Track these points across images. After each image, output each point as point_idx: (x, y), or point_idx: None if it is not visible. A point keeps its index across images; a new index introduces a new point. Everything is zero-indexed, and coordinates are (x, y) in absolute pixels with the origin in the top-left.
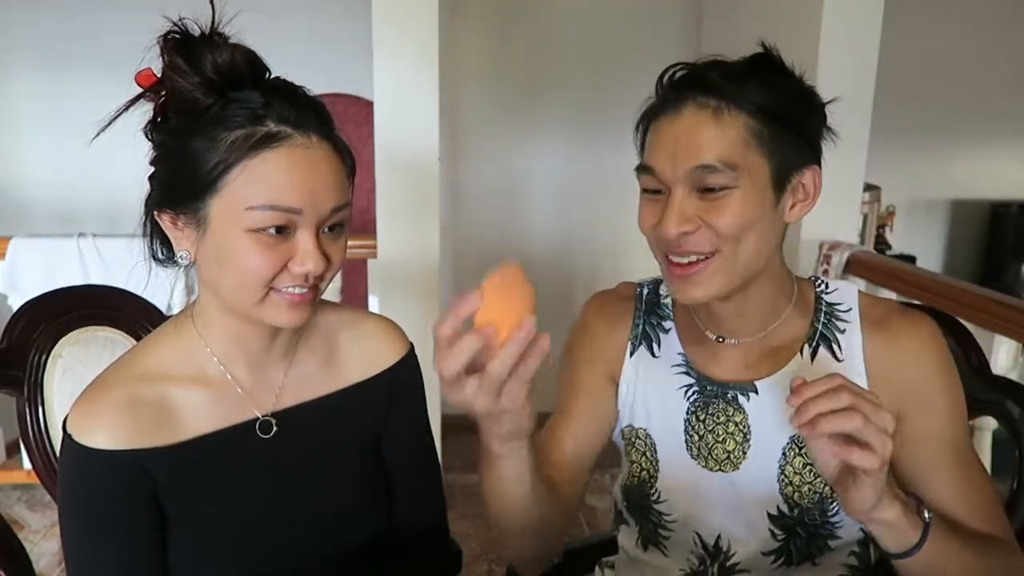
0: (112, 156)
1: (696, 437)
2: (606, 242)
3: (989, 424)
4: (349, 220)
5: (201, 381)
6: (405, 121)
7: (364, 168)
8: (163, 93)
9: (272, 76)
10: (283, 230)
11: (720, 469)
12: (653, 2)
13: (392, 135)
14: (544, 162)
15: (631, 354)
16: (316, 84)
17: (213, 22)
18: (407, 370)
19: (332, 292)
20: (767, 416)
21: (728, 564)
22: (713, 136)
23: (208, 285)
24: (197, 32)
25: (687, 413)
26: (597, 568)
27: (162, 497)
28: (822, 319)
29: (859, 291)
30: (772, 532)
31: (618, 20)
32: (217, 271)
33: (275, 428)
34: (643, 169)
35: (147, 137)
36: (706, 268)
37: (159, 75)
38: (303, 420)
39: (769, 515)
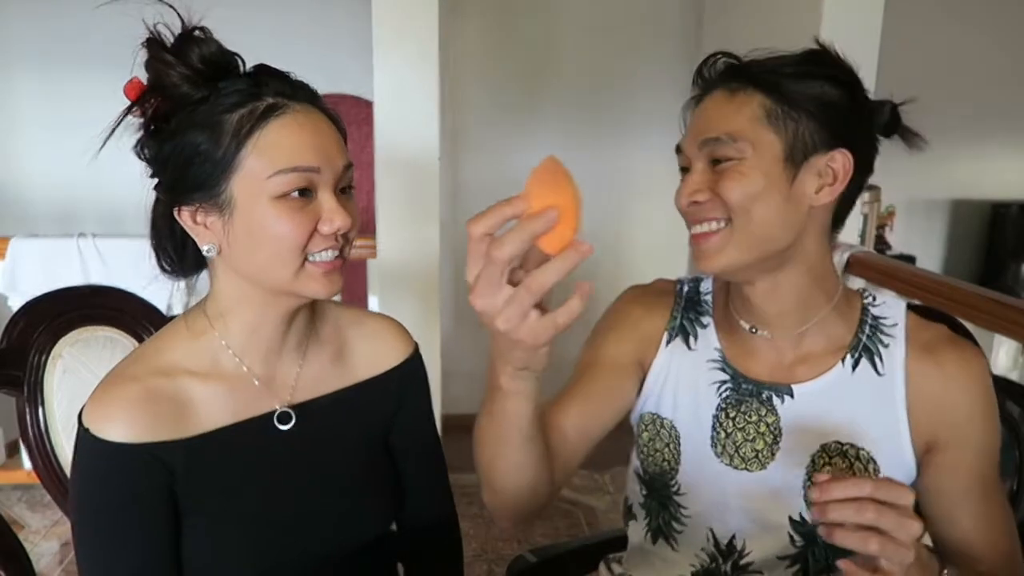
0: (112, 156)
1: (723, 434)
2: (606, 241)
3: None
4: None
5: (217, 375)
6: (405, 121)
7: (364, 168)
8: (153, 101)
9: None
10: (306, 192)
11: (746, 468)
12: (653, 2)
13: (392, 135)
14: None
15: (667, 343)
16: (316, 84)
17: (183, 21)
18: (413, 369)
19: None
20: (800, 422)
21: (742, 563)
22: (726, 113)
23: (239, 269)
24: (173, 35)
25: (717, 409)
26: (603, 565)
27: (178, 490)
28: (867, 331)
29: (909, 309)
30: (791, 537)
31: (618, 20)
32: (250, 249)
33: (294, 419)
34: (676, 150)
35: (140, 155)
36: (719, 237)
37: (147, 83)
38: (319, 413)
39: (791, 520)
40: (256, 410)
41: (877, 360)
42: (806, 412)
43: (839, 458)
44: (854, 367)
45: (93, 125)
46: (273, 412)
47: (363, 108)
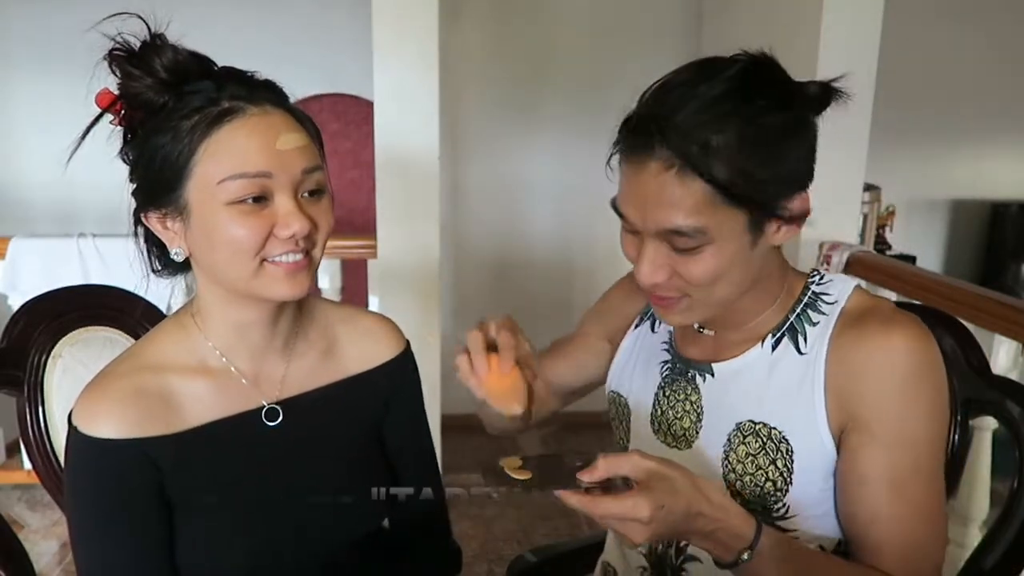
0: (112, 156)
1: (659, 412)
2: (605, 241)
3: (989, 424)
4: (328, 186)
5: (204, 372)
6: (405, 121)
7: (364, 168)
8: (121, 108)
9: (221, 66)
10: (260, 199)
11: (676, 446)
12: (653, 2)
13: (392, 135)
14: (544, 162)
15: (636, 327)
16: (316, 84)
17: (149, 28)
18: (404, 366)
19: (332, 292)
20: (718, 400)
21: (681, 545)
22: (679, 198)
23: (205, 273)
24: (138, 43)
25: (657, 388)
26: (599, 564)
27: (168, 486)
28: (798, 309)
29: (858, 287)
30: None
31: (618, 20)
32: (208, 252)
33: (281, 416)
34: (616, 210)
35: (125, 160)
36: (679, 303)
37: (117, 92)
38: (307, 409)
39: None
40: (243, 406)
41: (800, 339)
42: (723, 390)
43: (752, 437)
44: (774, 347)
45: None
46: (261, 408)
47: (363, 108)
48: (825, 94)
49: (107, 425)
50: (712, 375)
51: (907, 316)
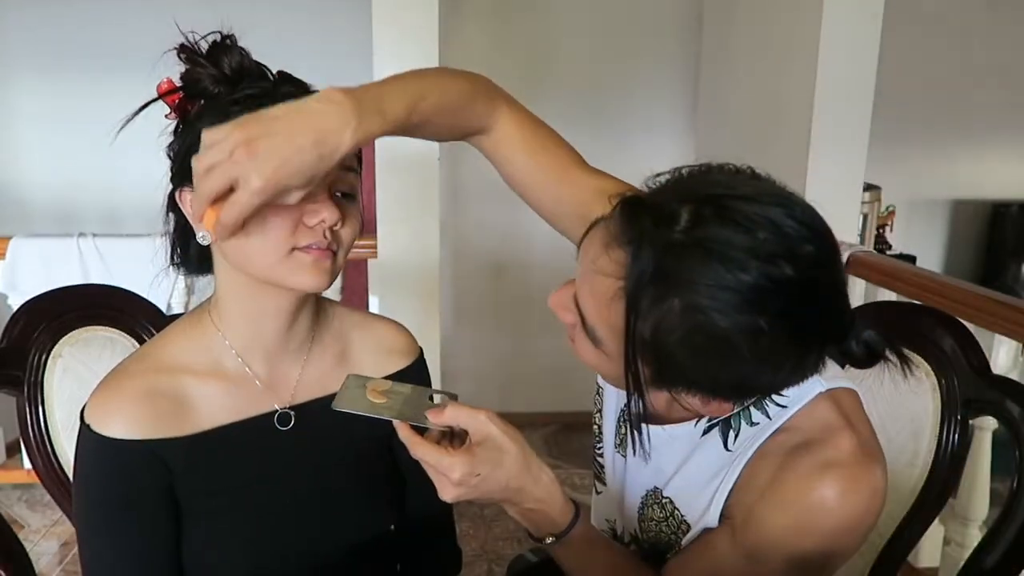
0: (113, 156)
1: (623, 429)
2: None
3: (989, 424)
4: (360, 197)
5: (219, 374)
6: None
7: (364, 168)
8: (177, 99)
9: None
10: None
11: (624, 455)
12: (653, 2)
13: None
14: None
15: None
16: (316, 84)
17: (221, 33)
18: (417, 374)
19: (333, 292)
20: (648, 457)
21: (625, 541)
22: (596, 307)
23: (228, 260)
24: (207, 43)
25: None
26: None
27: (178, 488)
28: (745, 402)
29: (823, 394)
30: (632, 544)
31: (618, 20)
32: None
33: (293, 421)
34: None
35: (170, 156)
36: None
37: (179, 82)
38: (319, 415)
39: (629, 534)
40: (256, 410)
41: (732, 434)
42: (652, 450)
43: (657, 507)
44: (705, 431)
45: (93, 124)
46: (273, 413)
47: None
48: (870, 358)
49: (118, 425)
50: (639, 432)
51: (847, 471)
